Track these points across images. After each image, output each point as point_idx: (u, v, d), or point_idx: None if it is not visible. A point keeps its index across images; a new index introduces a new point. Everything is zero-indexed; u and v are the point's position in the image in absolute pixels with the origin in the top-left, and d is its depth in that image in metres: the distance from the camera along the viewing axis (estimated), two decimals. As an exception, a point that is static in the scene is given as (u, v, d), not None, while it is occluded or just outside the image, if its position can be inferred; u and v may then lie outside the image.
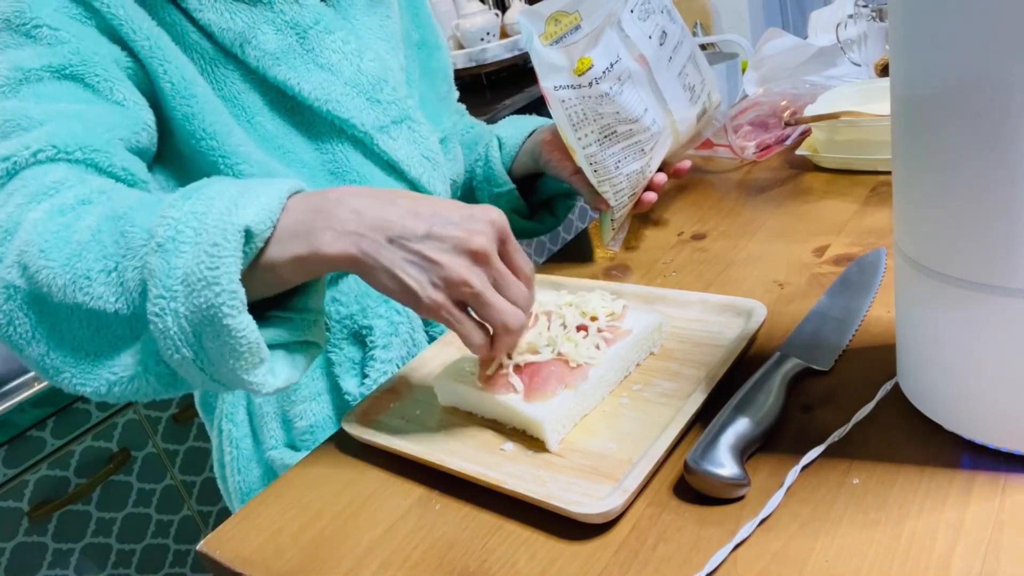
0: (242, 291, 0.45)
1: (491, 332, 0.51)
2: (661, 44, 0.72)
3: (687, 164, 0.81)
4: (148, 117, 0.63)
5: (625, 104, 0.69)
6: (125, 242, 0.47)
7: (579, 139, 0.70)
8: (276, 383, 0.50)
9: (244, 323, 0.46)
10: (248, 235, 0.46)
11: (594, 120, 0.69)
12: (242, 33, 0.65)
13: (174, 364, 0.48)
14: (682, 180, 0.93)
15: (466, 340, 0.51)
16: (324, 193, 0.50)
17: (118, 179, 0.58)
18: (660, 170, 0.77)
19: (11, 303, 0.49)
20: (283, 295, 0.53)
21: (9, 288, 0.49)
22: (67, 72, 0.58)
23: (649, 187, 0.77)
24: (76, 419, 1.14)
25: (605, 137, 0.70)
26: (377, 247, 0.48)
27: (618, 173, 0.72)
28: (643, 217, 0.85)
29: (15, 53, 0.58)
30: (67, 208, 0.51)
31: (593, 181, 0.72)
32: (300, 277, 0.50)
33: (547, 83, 0.69)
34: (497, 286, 0.50)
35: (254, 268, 0.48)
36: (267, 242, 0.48)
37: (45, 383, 1.08)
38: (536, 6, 0.71)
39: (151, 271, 0.46)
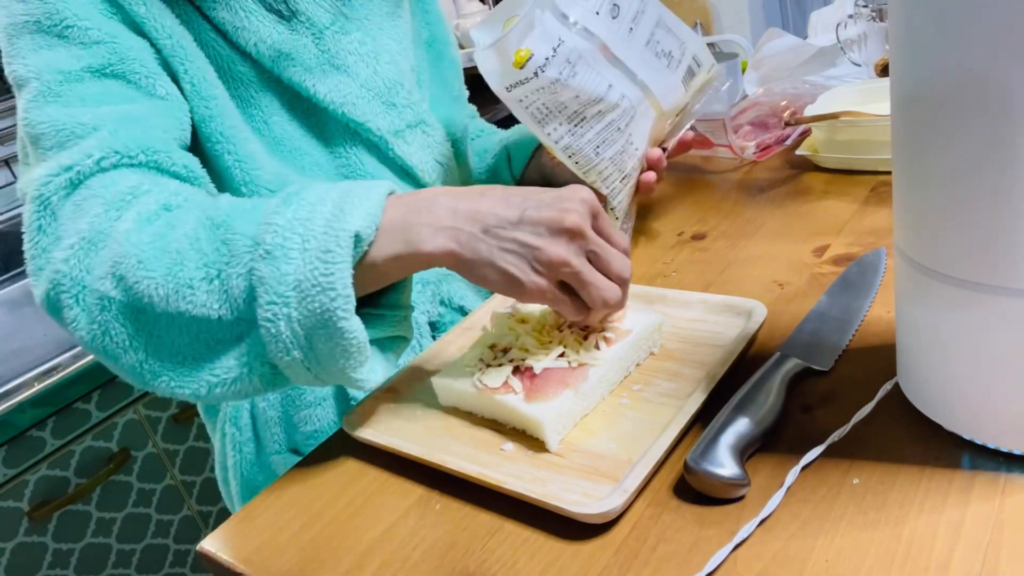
0: (353, 294, 0.47)
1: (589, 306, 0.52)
2: (614, 17, 0.67)
3: (689, 135, 0.77)
4: (187, 108, 0.63)
5: (583, 86, 0.65)
6: (227, 249, 0.49)
7: (548, 134, 0.67)
8: (375, 378, 0.51)
9: (356, 324, 0.48)
10: (357, 240, 0.48)
11: (559, 111, 0.66)
12: (256, 32, 0.64)
13: (282, 365, 0.49)
14: (682, 179, 0.93)
15: (567, 316, 0.53)
16: (417, 193, 0.51)
17: (180, 178, 0.59)
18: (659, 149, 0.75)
19: (106, 314, 0.50)
20: (374, 293, 0.54)
21: (104, 299, 0.50)
22: (107, 71, 0.58)
23: (649, 168, 0.74)
24: (76, 419, 1.14)
25: (575, 125, 0.67)
26: (473, 239, 0.49)
27: (600, 159, 0.69)
28: (643, 216, 0.85)
29: (49, 54, 0.57)
30: (153, 216, 0.52)
31: (578, 173, 0.70)
32: (397, 275, 0.52)
33: (498, 87, 0.65)
34: (596, 260, 0.51)
35: (357, 269, 0.49)
36: (370, 243, 0.49)
37: (45, 383, 1.08)
38: (489, 18, 0.68)
39: (260, 277, 0.47)
